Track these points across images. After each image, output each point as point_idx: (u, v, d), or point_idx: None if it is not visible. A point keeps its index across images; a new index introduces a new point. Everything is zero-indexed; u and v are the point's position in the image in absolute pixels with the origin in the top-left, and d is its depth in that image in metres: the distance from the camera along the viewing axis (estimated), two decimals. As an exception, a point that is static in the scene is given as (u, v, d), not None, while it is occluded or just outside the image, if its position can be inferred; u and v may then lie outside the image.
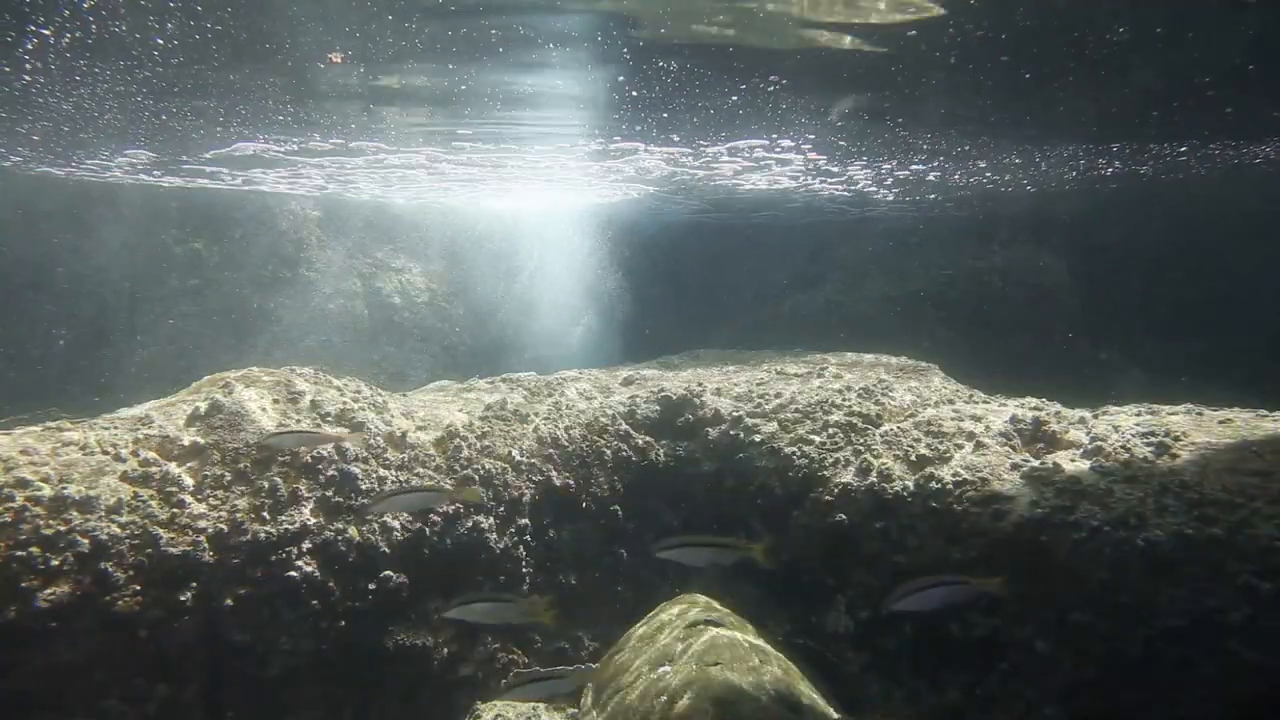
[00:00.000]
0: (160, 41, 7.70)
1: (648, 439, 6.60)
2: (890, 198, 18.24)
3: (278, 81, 9.21)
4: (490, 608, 4.59)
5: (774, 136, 12.41)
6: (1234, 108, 11.47)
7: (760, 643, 4.52)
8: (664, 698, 3.96)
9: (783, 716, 3.94)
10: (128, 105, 10.18)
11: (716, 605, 5.02)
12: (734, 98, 10.10)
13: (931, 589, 3.89)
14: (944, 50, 8.39)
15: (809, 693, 4.23)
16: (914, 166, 15.32)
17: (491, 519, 5.72)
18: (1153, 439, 4.97)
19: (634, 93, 9.81)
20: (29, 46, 7.83)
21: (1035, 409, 5.81)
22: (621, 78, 9.31)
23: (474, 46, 8.08)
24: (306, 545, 4.98)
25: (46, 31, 7.40)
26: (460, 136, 12.46)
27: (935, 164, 15.09)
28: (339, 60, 7.94)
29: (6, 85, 9.31)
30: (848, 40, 7.96)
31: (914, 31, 7.91)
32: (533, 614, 4.63)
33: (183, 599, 4.56)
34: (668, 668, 4.16)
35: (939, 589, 3.91)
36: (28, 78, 9.01)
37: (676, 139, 12.42)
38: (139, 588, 4.47)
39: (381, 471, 5.45)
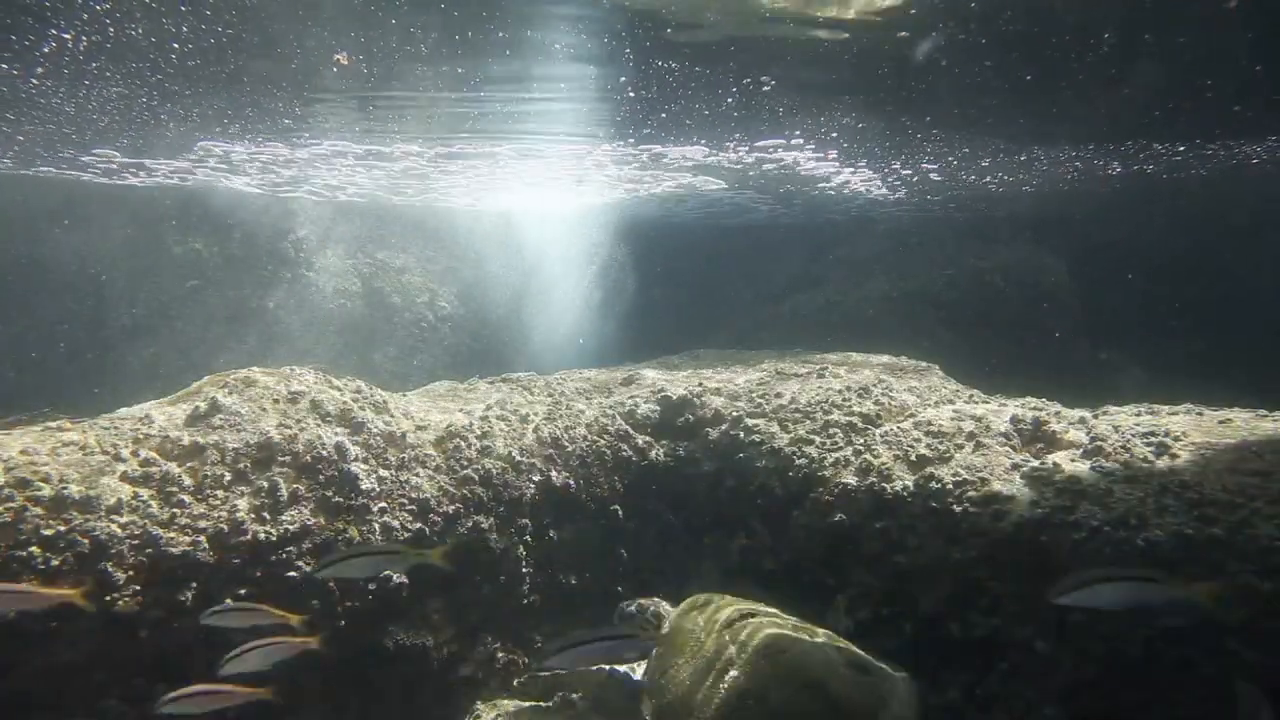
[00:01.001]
0: (176, 46, 7.72)
1: (648, 439, 6.60)
2: (893, 198, 18.26)
3: (283, 82, 9.23)
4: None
5: (791, 134, 12.41)
6: (1234, 108, 11.48)
7: (801, 621, 4.48)
8: (751, 701, 3.89)
9: (862, 681, 3.97)
10: (133, 106, 10.18)
11: (740, 600, 4.90)
12: (728, 100, 10.11)
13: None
14: (939, 51, 8.41)
15: (864, 653, 4.24)
16: (919, 166, 15.32)
17: (491, 519, 5.72)
18: (1153, 439, 4.97)
19: (632, 93, 9.82)
20: (46, 50, 7.86)
21: (1035, 409, 5.81)
22: (624, 78, 9.33)
23: (481, 47, 8.10)
24: (307, 545, 4.98)
25: (67, 36, 7.42)
26: (463, 137, 12.47)
27: (937, 164, 15.10)
28: (346, 61, 7.97)
29: (11, 87, 9.30)
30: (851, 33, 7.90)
31: (905, 33, 7.92)
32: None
33: (183, 599, 4.56)
34: (735, 672, 4.05)
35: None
36: (35, 81, 9.01)
37: (700, 139, 12.50)
38: (139, 588, 4.47)
39: (382, 471, 5.45)
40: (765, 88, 9.60)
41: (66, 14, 6.95)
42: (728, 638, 4.32)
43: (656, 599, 5.53)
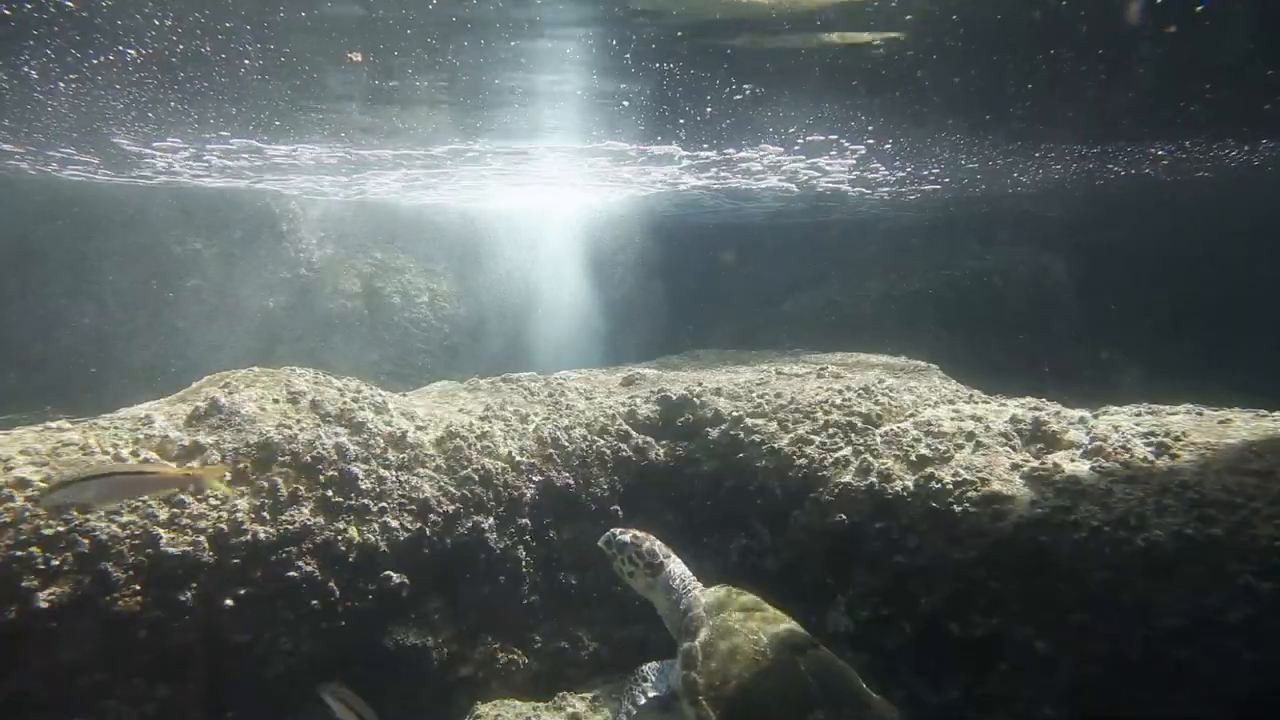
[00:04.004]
0: (237, 60, 7.81)
1: (648, 439, 6.60)
2: (895, 198, 18.25)
3: (287, 84, 9.24)
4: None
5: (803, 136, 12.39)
6: (1235, 108, 11.48)
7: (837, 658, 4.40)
8: None
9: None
10: (145, 109, 10.22)
11: (780, 611, 4.65)
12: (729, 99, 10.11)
13: None
14: (938, 53, 8.44)
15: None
16: (928, 167, 15.31)
17: (491, 519, 5.72)
18: (1153, 439, 4.96)
19: (626, 102, 9.82)
20: (95, 61, 7.92)
21: (1035, 409, 5.80)
22: (624, 84, 9.33)
23: (485, 49, 8.12)
24: (306, 545, 4.98)
25: (131, 52, 7.52)
26: (466, 139, 12.45)
27: (940, 166, 15.10)
28: (358, 59, 8.01)
29: (25, 88, 9.28)
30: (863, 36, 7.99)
31: (897, 37, 7.93)
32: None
33: (183, 599, 4.56)
34: (822, 714, 3.92)
35: None
36: (62, 85, 9.02)
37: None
38: (139, 588, 4.47)
39: (381, 471, 5.45)
40: (740, 95, 9.63)
41: (137, 31, 7.07)
42: (803, 667, 4.11)
43: (652, 537, 5.19)
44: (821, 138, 12.38)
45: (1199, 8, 7.31)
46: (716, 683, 4.24)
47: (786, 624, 4.45)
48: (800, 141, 12.55)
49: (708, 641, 4.46)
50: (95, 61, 7.88)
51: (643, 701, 4.53)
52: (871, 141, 12.75)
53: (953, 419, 5.80)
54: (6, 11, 6.63)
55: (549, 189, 17.31)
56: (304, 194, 16.71)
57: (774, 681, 4.11)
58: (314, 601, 4.92)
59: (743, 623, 4.45)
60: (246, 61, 7.97)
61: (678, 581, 4.96)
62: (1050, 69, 9.06)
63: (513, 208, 19.75)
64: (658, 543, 5.17)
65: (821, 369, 7.41)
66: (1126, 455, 4.88)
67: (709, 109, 10.32)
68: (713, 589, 4.90)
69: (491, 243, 19.29)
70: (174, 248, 15.35)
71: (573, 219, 20.71)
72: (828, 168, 14.62)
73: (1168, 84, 9.83)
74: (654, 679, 4.65)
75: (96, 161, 13.54)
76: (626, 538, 5.14)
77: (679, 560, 5.14)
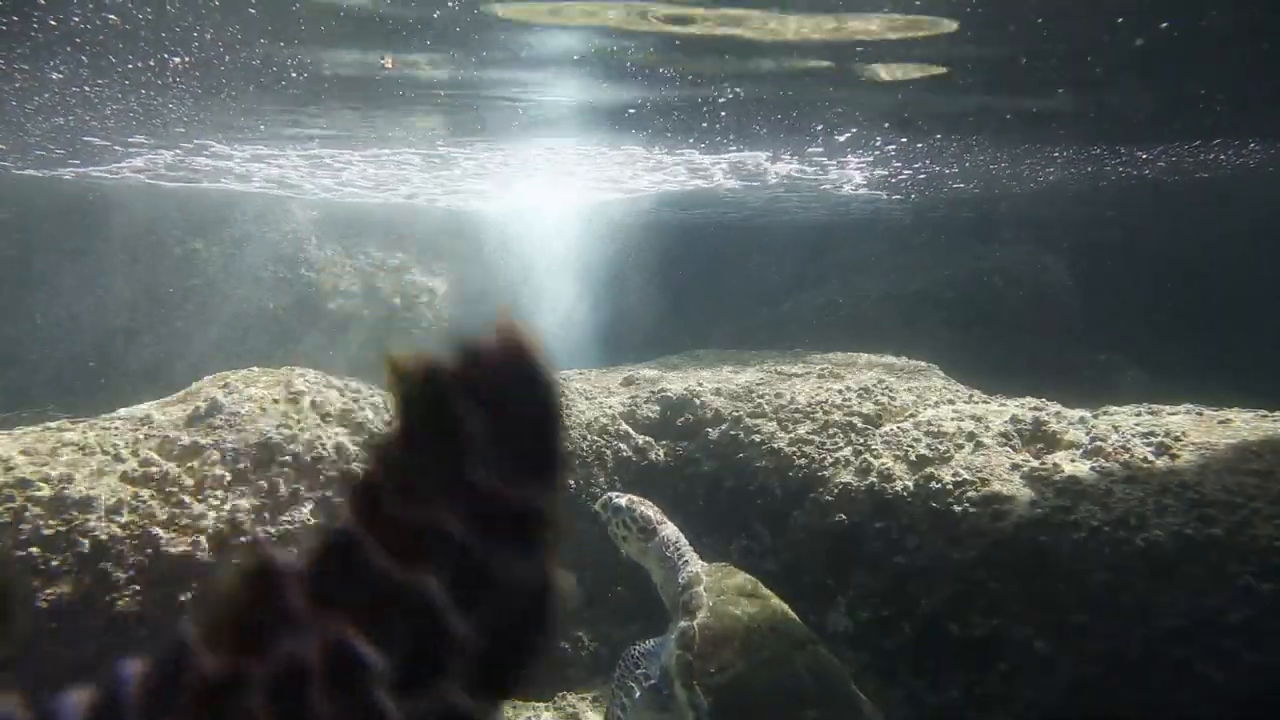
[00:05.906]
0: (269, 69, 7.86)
1: (648, 439, 6.60)
2: (896, 199, 18.26)
3: (288, 86, 9.22)
4: None
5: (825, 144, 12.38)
6: (1235, 109, 11.48)
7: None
8: None
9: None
10: (165, 115, 10.24)
11: (781, 600, 4.60)
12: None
13: None
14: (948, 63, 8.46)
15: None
16: (931, 170, 15.31)
17: (491, 519, 5.72)
18: (1153, 439, 4.97)
19: (633, 110, 9.82)
20: (130, 67, 7.95)
21: (1035, 409, 5.81)
22: (629, 90, 9.33)
23: (484, 56, 8.11)
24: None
25: (177, 59, 7.58)
26: (466, 139, 12.45)
27: (936, 165, 15.10)
28: (390, 65, 8.02)
29: (37, 91, 9.26)
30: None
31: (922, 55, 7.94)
32: None
33: (183, 599, 4.57)
34: (815, 713, 3.94)
35: None
36: (87, 89, 9.03)
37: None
38: (139, 588, 4.47)
39: (381, 471, 5.45)
40: (720, 97, 9.66)
41: (183, 40, 7.14)
42: (800, 663, 4.11)
43: (649, 502, 5.09)
44: (844, 136, 12.33)
45: (1164, 24, 7.36)
46: (712, 669, 4.19)
47: (788, 616, 4.42)
48: (828, 140, 12.52)
49: (706, 623, 4.40)
50: (130, 66, 7.91)
51: (638, 695, 4.50)
52: (904, 140, 12.73)
53: (953, 419, 5.81)
54: (52, 21, 6.68)
55: (550, 188, 17.32)
56: (304, 194, 16.71)
57: (770, 674, 4.09)
58: (314, 601, 4.91)
59: (745, 609, 4.39)
60: (283, 71, 7.98)
61: (672, 550, 4.85)
62: (1057, 70, 9.06)
63: (513, 207, 19.75)
64: (654, 508, 5.06)
65: (822, 369, 7.41)
66: (1126, 455, 4.88)
67: (723, 112, 10.32)
68: (716, 566, 4.81)
69: (492, 242, 19.29)
70: (174, 248, 15.34)
71: (574, 219, 20.70)
72: (851, 168, 14.63)
73: (1170, 86, 9.84)
74: (645, 665, 4.58)
75: (97, 162, 13.54)
76: (623, 501, 5.04)
77: (674, 526, 5.01)
